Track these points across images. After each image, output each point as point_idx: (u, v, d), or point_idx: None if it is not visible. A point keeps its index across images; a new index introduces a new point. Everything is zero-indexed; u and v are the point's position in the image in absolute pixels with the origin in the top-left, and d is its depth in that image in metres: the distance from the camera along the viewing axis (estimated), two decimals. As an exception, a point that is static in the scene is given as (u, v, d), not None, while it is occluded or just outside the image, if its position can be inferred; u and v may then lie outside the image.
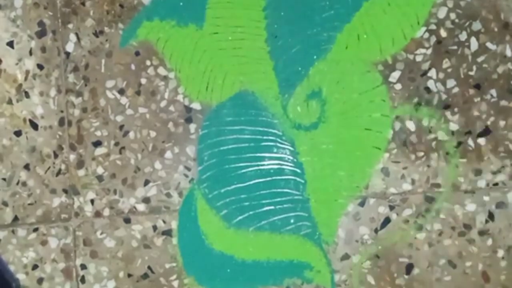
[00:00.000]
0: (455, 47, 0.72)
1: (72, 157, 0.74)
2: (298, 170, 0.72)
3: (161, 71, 0.73)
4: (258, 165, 0.72)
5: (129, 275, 0.73)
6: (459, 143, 0.72)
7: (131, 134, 0.74)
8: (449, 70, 0.72)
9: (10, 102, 0.74)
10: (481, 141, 0.72)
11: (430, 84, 0.72)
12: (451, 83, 0.72)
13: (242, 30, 0.73)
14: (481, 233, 0.72)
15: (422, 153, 0.72)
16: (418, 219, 0.72)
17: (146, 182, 0.73)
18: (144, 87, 0.74)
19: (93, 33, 0.74)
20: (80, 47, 0.74)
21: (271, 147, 0.73)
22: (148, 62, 0.73)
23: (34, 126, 0.74)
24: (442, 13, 0.72)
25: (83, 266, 0.73)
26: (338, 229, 0.72)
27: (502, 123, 0.72)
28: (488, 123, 0.72)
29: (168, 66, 0.73)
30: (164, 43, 0.73)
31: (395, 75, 0.72)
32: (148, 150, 0.73)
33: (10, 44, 0.74)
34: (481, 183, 0.72)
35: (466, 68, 0.72)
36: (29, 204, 0.74)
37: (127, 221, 0.73)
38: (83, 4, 0.74)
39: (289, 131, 0.72)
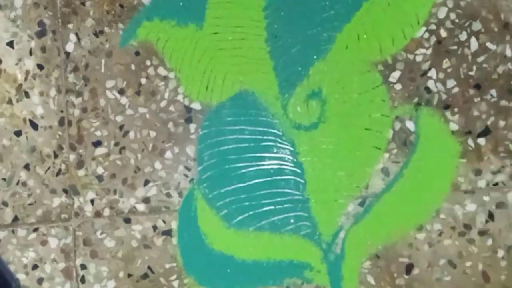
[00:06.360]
0: (455, 47, 0.72)
1: (72, 157, 0.74)
2: (298, 170, 0.72)
3: (161, 71, 0.73)
4: (258, 165, 0.72)
5: (129, 275, 0.73)
6: (459, 143, 0.72)
7: (131, 134, 0.74)
8: (449, 70, 0.72)
9: (10, 102, 0.74)
10: (481, 141, 0.72)
11: (430, 84, 0.72)
12: (451, 83, 0.72)
13: (242, 30, 0.73)
14: (481, 233, 0.72)
15: (422, 153, 0.72)
16: (418, 219, 0.72)
17: (146, 182, 0.73)
18: (144, 87, 0.74)
19: (93, 33, 0.74)
20: (80, 47, 0.74)
21: (271, 147, 0.73)
22: (148, 62, 0.73)
23: (34, 126, 0.74)
24: (442, 13, 0.72)
25: (83, 266, 0.73)
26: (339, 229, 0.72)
27: (502, 123, 0.72)
28: (488, 123, 0.72)
29: (168, 66, 0.73)
30: (164, 43, 0.73)
31: (395, 75, 0.72)
32: (148, 150, 0.73)
33: (10, 44, 0.74)
34: (481, 183, 0.72)
35: (466, 68, 0.72)
36: (29, 204, 0.74)
37: (127, 221, 0.73)
38: (83, 4, 0.74)
39: (289, 131, 0.72)
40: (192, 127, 0.73)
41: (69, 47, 0.74)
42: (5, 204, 0.74)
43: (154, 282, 0.73)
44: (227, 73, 0.73)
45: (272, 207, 0.72)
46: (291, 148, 0.72)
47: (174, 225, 0.73)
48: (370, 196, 0.72)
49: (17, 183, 0.74)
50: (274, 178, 0.72)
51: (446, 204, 0.72)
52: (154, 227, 0.73)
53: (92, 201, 0.74)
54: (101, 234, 0.73)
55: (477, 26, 0.72)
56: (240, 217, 0.72)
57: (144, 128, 0.74)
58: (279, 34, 0.72)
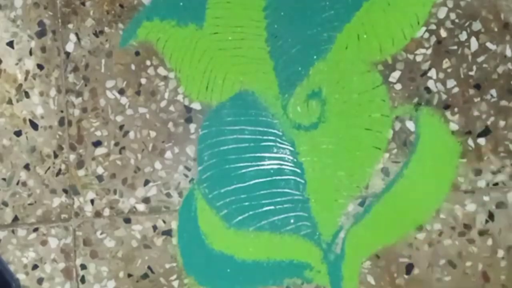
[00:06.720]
0: (455, 47, 0.72)
1: (72, 157, 0.74)
2: (298, 170, 0.72)
3: (161, 71, 0.73)
4: (258, 165, 0.72)
5: (129, 275, 0.73)
6: (459, 143, 0.72)
7: (131, 134, 0.74)
8: (449, 70, 0.72)
9: (10, 102, 0.74)
10: (481, 141, 0.72)
11: (430, 84, 0.72)
12: (451, 83, 0.72)
13: (242, 30, 0.73)
14: (481, 233, 0.72)
15: (422, 153, 0.72)
16: (418, 219, 0.72)
17: (146, 182, 0.73)
18: (144, 87, 0.74)
19: (93, 33, 0.74)
20: (80, 47, 0.74)
21: (271, 147, 0.73)
22: (148, 62, 0.73)
23: (34, 126, 0.74)
24: (442, 13, 0.72)
25: (83, 266, 0.73)
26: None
27: (502, 123, 0.72)
28: (488, 123, 0.72)
29: (168, 66, 0.73)
30: (164, 43, 0.73)
31: (395, 75, 0.72)
32: (148, 150, 0.73)
33: (10, 44, 0.74)
34: (481, 183, 0.72)
35: (466, 68, 0.72)
36: (29, 204, 0.74)
37: (127, 221, 0.73)
38: (83, 4, 0.74)
39: (289, 131, 0.72)
40: (192, 127, 0.73)
41: (69, 47, 0.74)
42: (5, 204, 0.74)
43: (154, 282, 0.73)
44: (227, 73, 0.73)
45: (272, 207, 0.72)
46: (291, 148, 0.72)
47: (174, 225, 0.73)
48: (370, 196, 0.72)
49: (17, 183, 0.74)
50: (274, 178, 0.72)
51: (446, 204, 0.72)
52: (154, 227, 0.73)
53: (92, 201, 0.74)
54: (101, 234, 0.73)
55: (477, 26, 0.72)
56: (240, 217, 0.72)
57: (144, 128, 0.74)
58: (279, 34, 0.72)
